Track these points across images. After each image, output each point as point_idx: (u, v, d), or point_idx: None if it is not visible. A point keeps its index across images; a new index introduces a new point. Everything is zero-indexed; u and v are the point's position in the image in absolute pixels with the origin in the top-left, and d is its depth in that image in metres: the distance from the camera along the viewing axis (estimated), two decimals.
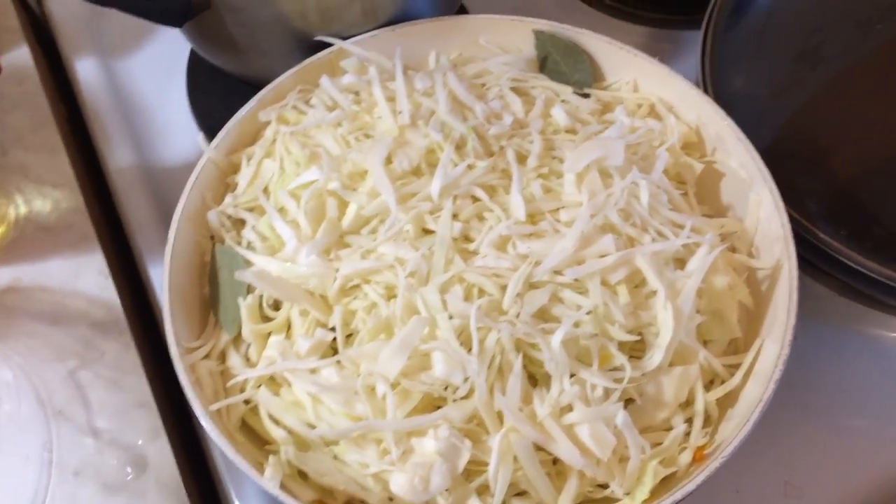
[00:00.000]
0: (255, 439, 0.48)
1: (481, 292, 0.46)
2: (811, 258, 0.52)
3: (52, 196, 0.65)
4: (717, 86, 0.56)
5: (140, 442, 0.55)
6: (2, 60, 0.71)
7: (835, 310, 0.58)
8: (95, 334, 0.59)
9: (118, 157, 0.68)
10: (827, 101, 0.59)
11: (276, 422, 0.47)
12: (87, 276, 0.61)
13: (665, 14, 0.73)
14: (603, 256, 0.46)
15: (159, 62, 0.73)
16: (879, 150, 0.57)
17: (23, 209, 0.64)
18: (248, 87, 0.57)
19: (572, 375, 0.44)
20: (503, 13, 0.59)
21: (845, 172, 0.56)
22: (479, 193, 0.49)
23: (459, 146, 0.51)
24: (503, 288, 0.45)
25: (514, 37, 0.59)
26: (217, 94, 0.69)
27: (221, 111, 0.56)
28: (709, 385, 0.47)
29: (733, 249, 0.51)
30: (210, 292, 0.52)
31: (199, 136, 0.53)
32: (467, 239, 0.48)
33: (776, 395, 0.44)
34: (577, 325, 0.44)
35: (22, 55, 0.72)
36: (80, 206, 0.64)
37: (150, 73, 0.73)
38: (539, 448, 0.43)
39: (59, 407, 0.56)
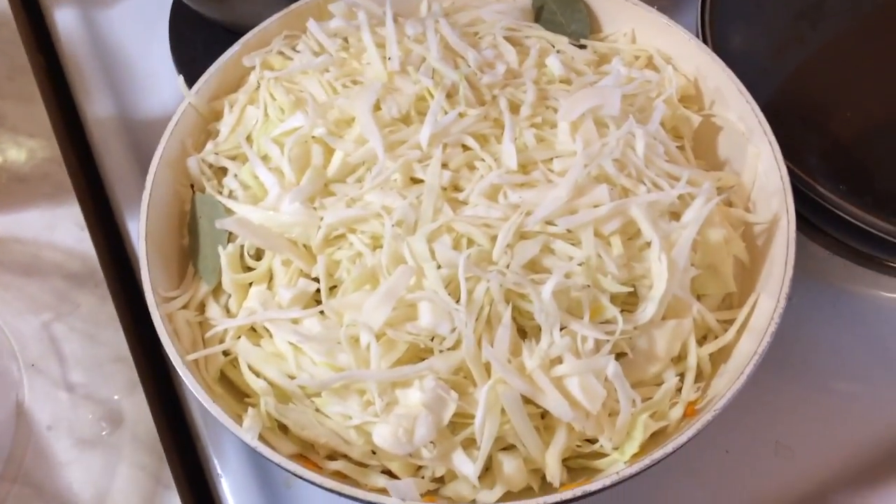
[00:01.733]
0: (235, 393, 0.46)
1: (470, 242, 0.44)
2: (808, 214, 0.51)
3: (27, 146, 0.63)
4: (716, 41, 0.55)
5: (116, 397, 0.54)
6: None
7: (830, 270, 0.57)
8: (70, 287, 0.57)
9: (97, 108, 0.66)
10: (828, 59, 0.58)
11: (257, 373, 0.45)
12: (62, 227, 0.59)
13: None
14: (597, 207, 0.44)
15: (141, 11, 0.71)
16: (880, 107, 0.56)
17: None
18: (232, 37, 0.55)
19: (563, 328, 0.42)
20: None
21: (846, 129, 0.55)
22: (470, 142, 0.47)
23: (450, 94, 0.49)
24: (493, 238, 0.44)
25: None
26: (200, 45, 0.67)
27: (205, 62, 0.54)
28: (702, 340, 0.46)
29: (730, 204, 0.50)
30: (189, 242, 0.50)
31: (179, 80, 0.51)
32: (457, 188, 0.47)
33: (768, 354, 0.43)
34: (568, 276, 0.43)
35: None
36: (57, 156, 0.62)
37: (131, 23, 0.71)
38: (527, 401, 0.42)
39: (32, 360, 0.55)
